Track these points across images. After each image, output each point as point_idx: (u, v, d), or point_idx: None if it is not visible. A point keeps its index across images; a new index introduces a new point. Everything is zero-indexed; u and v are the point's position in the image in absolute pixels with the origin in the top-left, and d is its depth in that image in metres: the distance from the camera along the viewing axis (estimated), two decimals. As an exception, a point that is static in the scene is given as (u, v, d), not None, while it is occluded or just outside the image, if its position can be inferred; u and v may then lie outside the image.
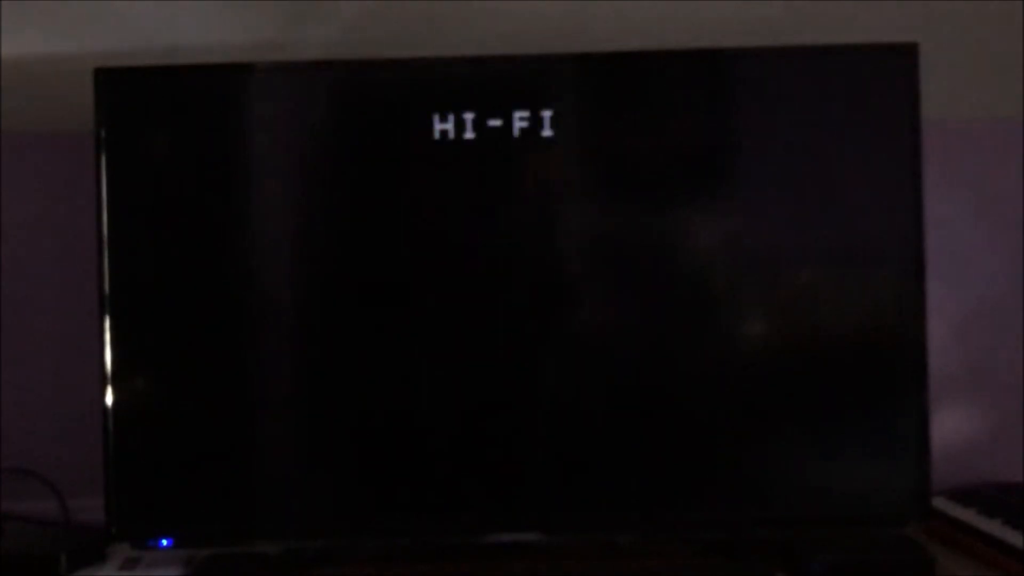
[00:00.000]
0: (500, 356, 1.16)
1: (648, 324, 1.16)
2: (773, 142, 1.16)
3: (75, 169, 1.26)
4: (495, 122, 1.14)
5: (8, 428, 1.33)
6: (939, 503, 1.24)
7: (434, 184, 1.16)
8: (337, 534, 1.18)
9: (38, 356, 1.35)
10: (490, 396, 1.16)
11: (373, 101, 1.17)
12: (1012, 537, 1.13)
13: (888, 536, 1.15)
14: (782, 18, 1.25)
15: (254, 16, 1.27)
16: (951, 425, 1.35)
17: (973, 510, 1.22)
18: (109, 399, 1.14)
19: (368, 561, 1.18)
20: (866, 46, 1.15)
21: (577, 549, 1.19)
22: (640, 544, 1.19)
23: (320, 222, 1.17)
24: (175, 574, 1.15)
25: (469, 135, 1.14)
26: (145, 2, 1.25)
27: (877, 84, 1.15)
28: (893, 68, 1.14)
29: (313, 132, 1.17)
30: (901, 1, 1.26)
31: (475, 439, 1.16)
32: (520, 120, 1.14)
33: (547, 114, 1.14)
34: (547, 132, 1.14)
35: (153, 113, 1.17)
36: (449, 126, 1.14)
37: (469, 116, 1.14)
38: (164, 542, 1.15)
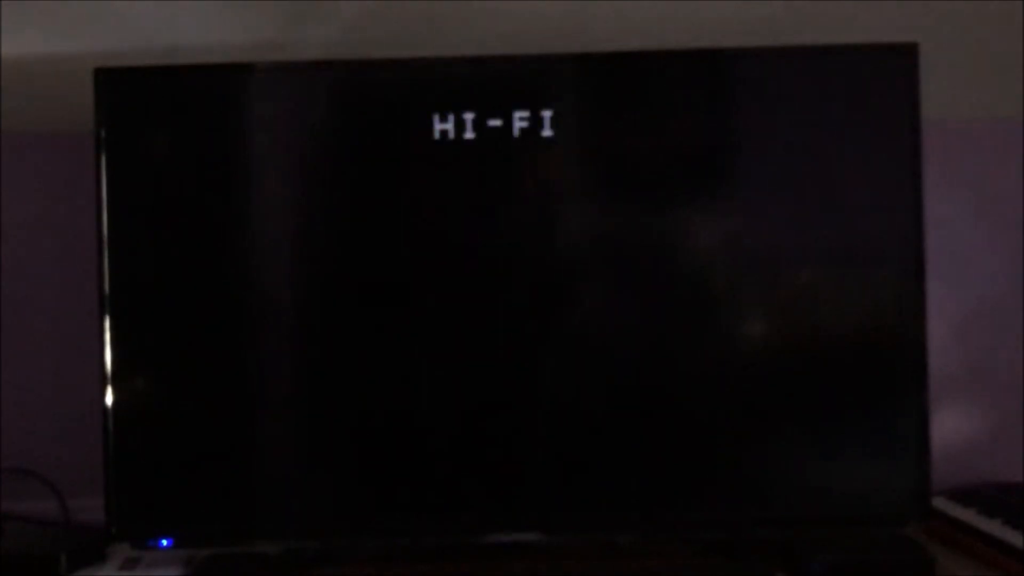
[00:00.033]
0: (500, 356, 1.16)
1: (648, 324, 1.16)
2: (773, 142, 1.16)
3: (75, 169, 1.26)
4: (495, 122, 1.14)
5: (8, 428, 1.33)
6: (939, 503, 1.24)
7: (434, 184, 1.16)
8: (337, 534, 1.18)
9: (38, 356, 1.35)
10: (490, 396, 1.16)
11: (373, 101, 1.17)
12: (1012, 537, 1.13)
13: (888, 536, 1.15)
14: (782, 18, 1.25)
15: (254, 16, 1.27)
16: (951, 425, 1.35)
17: (973, 510, 1.22)
18: (109, 399, 1.14)
19: (368, 561, 1.18)
20: (866, 46, 1.15)
21: (577, 549, 1.19)
22: (640, 544, 1.19)
23: (320, 222, 1.17)
24: (175, 574, 1.15)
25: (469, 135, 1.14)
26: (145, 2, 1.25)
27: (877, 84, 1.15)
28: (893, 68, 1.14)
29: (313, 132, 1.17)
30: (901, 1, 1.26)
31: (475, 439, 1.16)
32: (520, 120, 1.14)
33: (547, 114, 1.14)
34: (547, 132, 1.14)
35: (153, 113, 1.17)
36: (449, 126, 1.14)
37: (469, 116, 1.14)
38: (164, 542, 1.15)
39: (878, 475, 1.15)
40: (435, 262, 1.16)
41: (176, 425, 1.16)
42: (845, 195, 1.16)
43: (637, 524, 1.17)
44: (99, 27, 1.26)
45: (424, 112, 1.14)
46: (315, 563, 1.17)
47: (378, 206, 1.16)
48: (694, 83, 1.17)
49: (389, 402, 1.16)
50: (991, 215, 1.37)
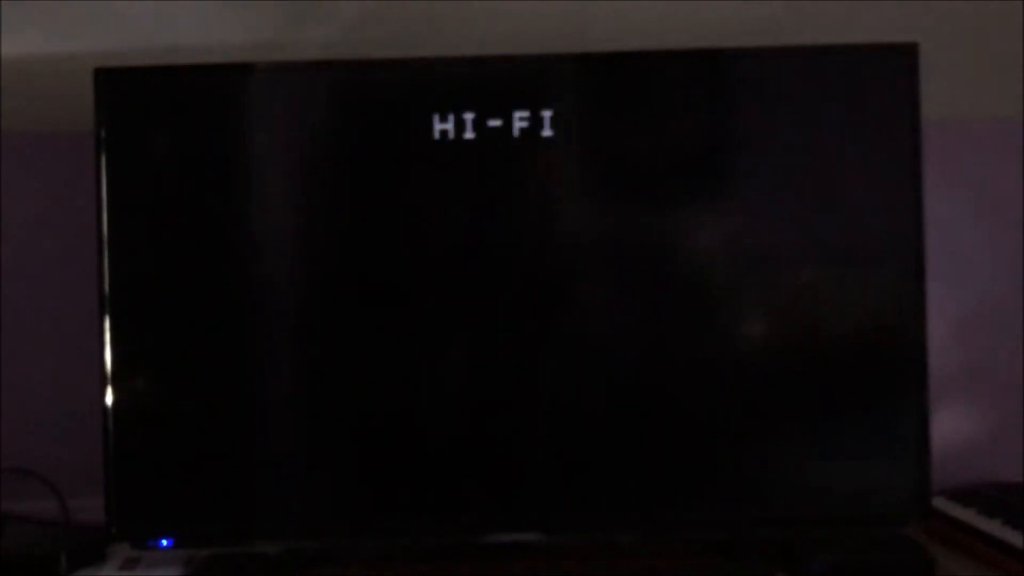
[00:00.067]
0: (500, 356, 1.16)
1: (648, 324, 1.16)
2: (773, 142, 1.16)
3: (75, 169, 1.26)
4: (495, 122, 1.14)
5: (8, 428, 1.33)
6: (939, 503, 1.24)
7: (434, 184, 1.16)
8: (337, 534, 1.18)
9: (38, 356, 1.35)
10: (490, 396, 1.16)
11: (373, 101, 1.17)
12: (1012, 537, 1.13)
13: (888, 536, 1.15)
14: (782, 18, 1.25)
15: (254, 16, 1.27)
16: (951, 425, 1.35)
17: (973, 510, 1.22)
18: (109, 399, 1.14)
19: (368, 561, 1.18)
20: (866, 46, 1.15)
21: (577, 549, 1.19)
22: (640, 544, 1.19)
23: (320, 222, 1.17)
24: (175, 574, 1.15)
25: (469, 135, 1.14)
26: (145, 2, 1.25)
27: (877, 84, 1.15)
28: (893, 68, 1.14)
29: (313, 132, 1.17)
30: (901, 1, 1.26)
31: (475, 439, 1.16)
32: (520, 120, 1.14)
33: (547, 114, 1.14)
34: (547, 132, 1.14)
35: (153, 113, 1.17)
36: (449, 126, 1.14)
37: (469, 116, 1.14)
38: (164, 542, 1.15)
39: (878, 475, 1.15)
40: (435, 262, 1.16)
41: (176, 425, 1.16)
42: (845, 195, 1.16)
43: (637, 524, 1.17)
44: (99, 27, 1.26)
45: (424, 112, 1.14)
46: (315, 563, 1.17)
47: (378, 206, 1.16)
48: (694, 83, 1.17)
49: (389, 402, 1.16)
50: (991, 215, 1.37)
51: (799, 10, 1.26)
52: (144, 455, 1.15)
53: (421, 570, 1.15)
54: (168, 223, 1.16)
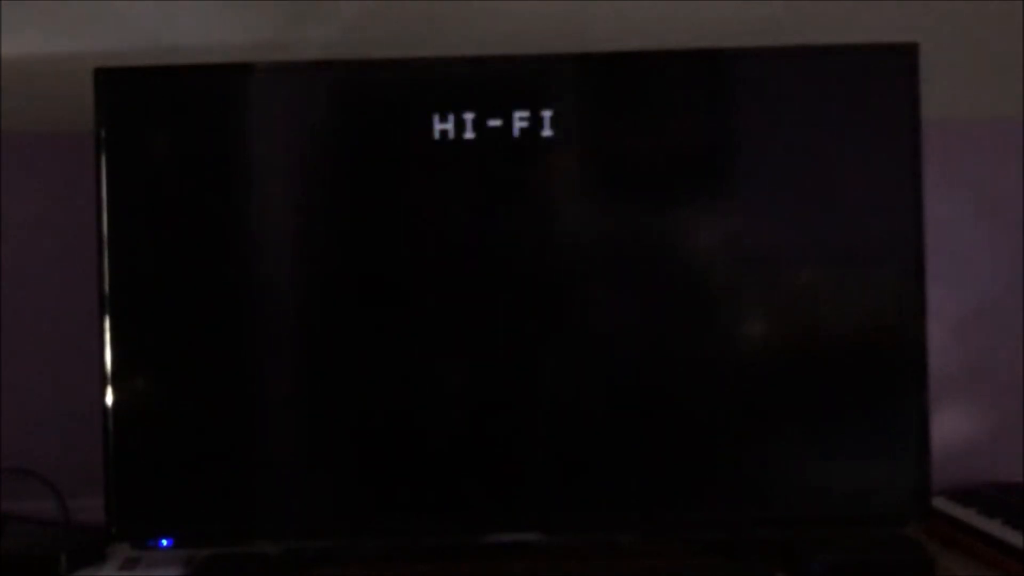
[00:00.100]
0: (500, 356, 1.16)
1: (648, 324, 1.16)
2: (773, 142, 1.16)
3: (75, 169, 1.26)
4: (495, 122, 1.14)
5: (8, 428, 1.33)
6: (939, 503, 1.24)
7: (434, 184, 1.16)
8: (337, 534, 1.18)
9: (38, 356, 1.35)
10: (490, 396, 1.16)
11: (373, 101, 1.17)
12: (1012, 537, 1.13)
13: (888, 536, 1.15)
14: (782, 18, 1.25)
15: (254, 16, 1.27)
16: (951, 425, 1.35)
17: (973, 510, 1.22)
18: (109, 399, 1.14)
19: (368, 561, 1.18)
20: (866, 46, 1.15)
21: (577, 549, 1.19)
22: (640, 544, 1.19)
23: (320, 222, 1.17)
24: (175, 574, 1.15)
25: (469, 135, 1.14)
26: (145, 2, 1.25)
27: (877, 84, 1.15)
28: (893, 68, 1.14)
29: (313, 132, 1.17)
30: (901, 1, 1.26)
31: (475, 439, 1.16)
32: (520, 120, 1.14)
33: (547, 114, 1.14)
34: (547, 132, 1.14)
35: (153, 113, 1.17)
36: (449, 126, 1.14)
37: (469, 116, 1.14)
38: (164, 542, 1.15)
39: (878, 475, 1.15)
40: (435, 262, 1.16)
41: (176, 425, 1.16)
42: (845, 195, 1.16)
43: (637, 524, 1.17)
44: (99, 27, 1.26)
45: (424, 112, 1.14)
46: (315, 563, 1.17)
47: (378, 206, 1.16)
48: (694, 83, 1.17)
49: (389, 402, 1.16)
50: (991, 215, 1.37)
51: (799, 10, 1.26)
52: (144, 455, 1.15)
53: (421, 570, 1.15)
54: (168, 223, 1.16)
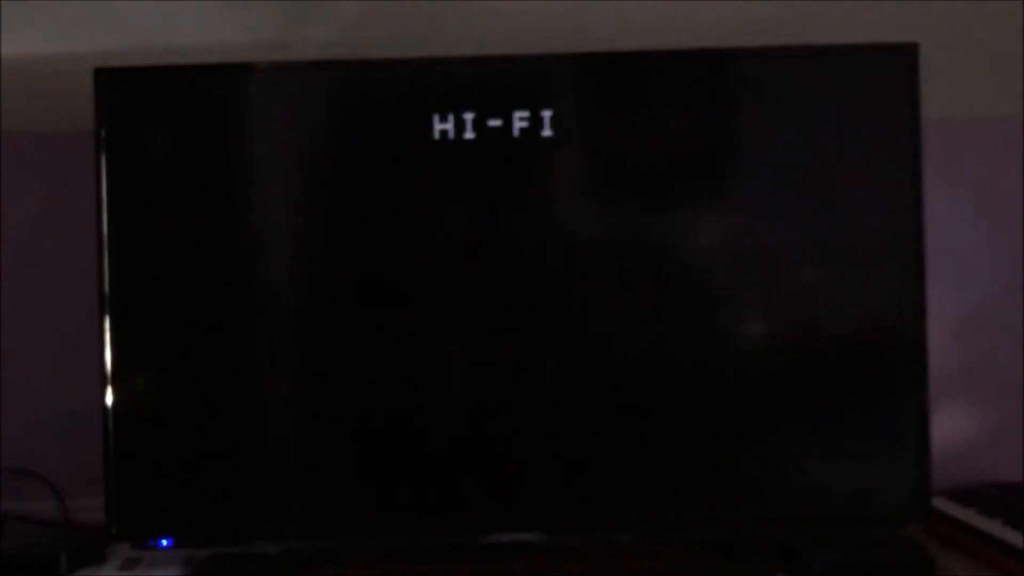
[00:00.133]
0: (500, 356, 1.16)
1: (648, 324, 1.16)
2: (773, 142, 1.16)
3: (75, 169, 1.26)
4: (495, 122, 1.14)
5: (8, 428, 1.33)
6: (939, 503, 1.24)
7: (434, 184, 1.16)
8: (337, 534, 1.18)
9: (38, 356, 1.35)
10: (490, 396, 1.16)
11: (373, 101, 1.17)
12: (1012, 537, 1.13)
13: (888, 536, 1.15)
14: (782, 18, 1.25)
15: (254, 16, 1.27)
16: (951, 425, 1.35)
17: (973, 510, 1.22)
18: (109, 399, 1.14)
19: (368, 561, 1.18)
20: (866, 46, 1.15)
21: (577, 549, 1.19)
22: (640, 544, 1.19)
23: (320, 222, 1.17)
24: (175, 574, 1.15)
25: (469, 135, 1.14)
26: (145, 2, 1.25)
27: (877, 84, 1.15)
28: (893, 68, 1.14)
29: (313, 132, 1.17)
30: (901, 1, 1.26)
31: (475, 439, 1.16)
32: (520, 120, 1.14)
33: (547, 114, 1.14)
34: (547, 132, 1.14)
35: (153, 113, 1.17)
36: (449, 126, 1.14)
37: (469, 116, 1.14)
38: (164, 542, 1.15)
39: (878, 475, 1.15)
40: (435, 262, 1.16)
41: (176, 425, 1.16)
42: (845, 195, 1.16)
43: (637, 524, 1.17)
44: (99, 27, 1.26)
45: (424, 112, 1.14)
46: (315, 563, 1.17)
47: (378, 206, 1.16)
48: (694, 83, 1.17)
49: (389, 402, 1.16)
50: (991, 215, 1.37)
51: (799, 10, 1.26)
52: (144, 455, 1.15)
53: (421, 570, 1.15)
54: (168, 223, 1.16)
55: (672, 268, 1.16)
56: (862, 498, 1.15)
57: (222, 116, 1.16)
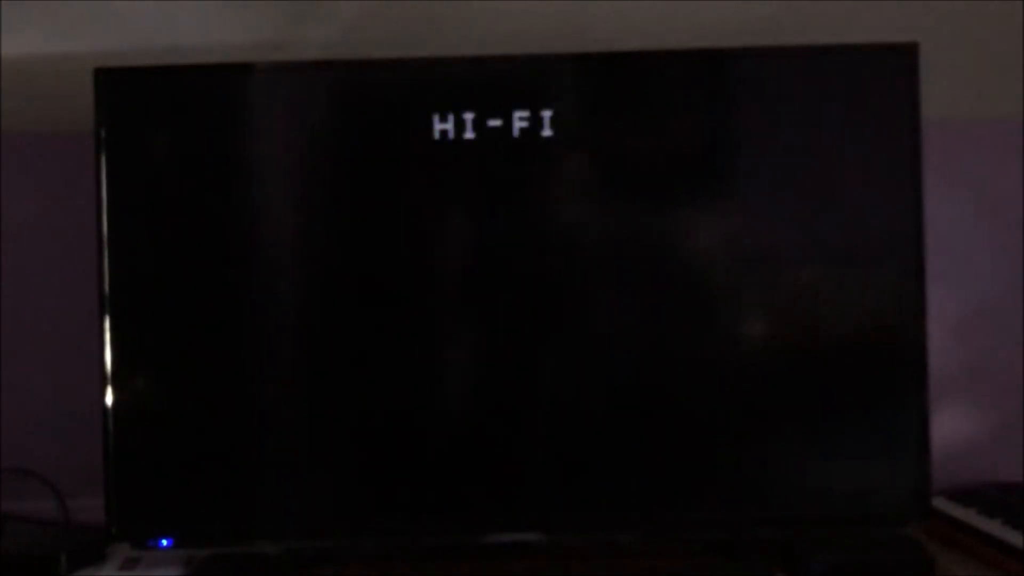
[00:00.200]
0: (500, 356, 1.16)
1: (648, 324, 1.16)
2: (773, 142, 1.16)
3: (75, 169, 1.26)
4: (495, 122, 1.14)
5: (8, 428, 1.33)
6: (939, 503, 1.24)
7: (434, 184, 1.16)
8: (337, 534, 1.18)
9: (38, 356, 1.35)
10: (490, 396, 1.16)
11: (373, 101, 1.17)
12: (1012, 537, 1.13)
13: (888, 536, 1.15)
14: (782, 18, 1.25)
15: (254, 16, 1.27)
16: (951, 425, 1.35)
17: (973, 510, 1.22)
18: (109, 399, 1.14)
19: (368, 561, 1.18)
20: (866, 46, 1.15)
21: (577, 549, 1.19)
22: (640, 544, 1.19)
23: (320, 222, 1.17)
24: (175, 574, 1.15)
25: (469, 135, 1.14)
26: (145, 2, 1.25)
27: (877, 84, 1.15)
28: (893, 68, 1.14)
29: (313, 132, 1.17)
30: (901, 1, 1.26)
31: (475, 439, 1.16)
32: (520, 120, 1.14)
33: (547, 114, 1.14)
34: (547, 132, 1.14)
35: (153, 113, 1.17)
36: (449, 126, 1.14)
37: (469, 116, 1.14)
38: (164, 542, 1.15)
39: (878, 475, 1.15)
40: (435, 262, 1.16)
41: (176, 425, 1.16)
42: (845, 195, 1.16)
43: (637, 524, 1.17)
44: (99, 27, 1.26)
45: (424, 112, 1.14)
46: (315, 563, 1.17)
47: (378, 206, 1.16)
48: (694, 83, 1.17)
49: (389, 402, 1.16)
50: (991, 215, 1.37)
51: (799, 10, 1.26)
52: (144, 455, 1.15)
53: (421, 570, 1.15)
54: (168, 223, 1.16)
55: (672, 268, 1.16)
56: (862, 498, 1.15)
57: (222, 116, 1.16)
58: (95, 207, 1.15)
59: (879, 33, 1.18)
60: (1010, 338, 1.37)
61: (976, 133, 1.37)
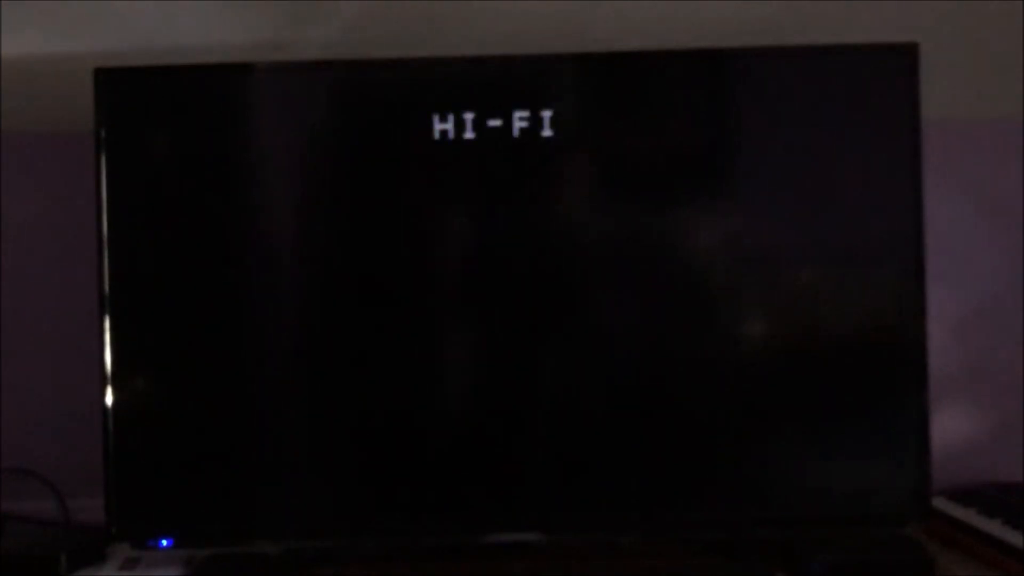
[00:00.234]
0: (500, 356, 1.16)
1: (648, 324, 1.16)
2: (773, 142, 1.16)
3: (75, 169, 1.26)
4: (495, 122, 1.14)
5: (8, 428, 1.33)
6: (939, 503, 1.24)
7: (434, 184, 1.16)
8: (337, 534, 1.18)
9: (38, 356, 1.35)
10: (490, 396, 1.16)
11: (373, 101, 1.17)
12: (1012, 537, 1.13)
13: (888, 536, 1.15)
14: (782, 18, 1.25)
15: (254, 16, 1.27)
16: (951, 425, 1.35)
17: (973, 510, 1.22)
18: (109, 399, 1.14)
19: (368, 561, 1.18)
20: (866, 46, 1.15)
21: (577, 549, 1.19)
22: (640, 544, 1.19)
23: (320, 222, 1.17)
24: (175, 574, 1.15)
25: (469, 135, 1.14)
26: (145, 2, 1.25)
27: (877, 84, 1.15)
28: (893, 68, 1.14)
29: (313, 132, 1.17)
30: (901, 1, 1.26)
31: (475, 439, 1.16)
32: (520, 120, 1.14)
33: (547, 114, 1.14)
34: (547, 132, 1.14)
35: (153, 113, 1.17)
36: (449, 126, 1.14)
37: (469, 116, 1.14)
38: (164, 542, 1.15)
39: (878, 475, 1.15)
40: (435, 262, 1.16)
41: (176, 425, 1.16)
42: (845, 195, 1.16)
43: (637, 524, 1.17)
44: (99, 27, 1.26)
45: (424, 112, 1.14)
46: (315, 563, 1.17)
47: (378, 206, 1.16)
48: (694, 83, 1.17)
49: (389, 402, 1.16)
50: (991, 215, 1.37)
51: (799, 10, 1.26)
52: (144, 455, 1.15)
53: (421, 570, 1.15)
54: (168, 223, 1.16)
55: (672, 268, 1.16)
56: (862, 498, 1.15)
57: (222, 116, 1.16)
58: (95, 207, 1.15)
59: (879, 33, 1.18)
60: (1010, 338, 1.37)
61: (976, 133, 1.37)
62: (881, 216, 1.15)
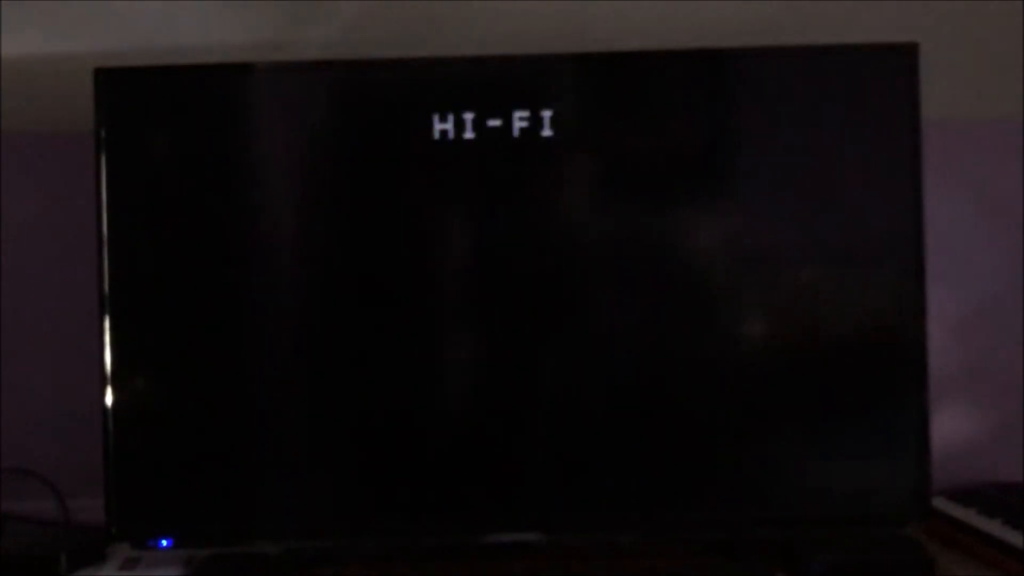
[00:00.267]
0: (500, 356, 1.16)
1: (648, 324, 1.16)
2: (773, 142, 1.16)
3: (75, 169, 1.26)
4: (495, 122, 1.14)
5: (8, 428, 1.33)
6: (939, 503, 1.24)
7: (434, 184, 1.16)
8: (337, 534, 1.18)
9: (38, 356, 1.35)
10: (490, 396, 1.16)
11: (373, 101, 1.17)
12: (1012, 537, 1.13)
13: (888, 536, 1.15)
14: (782, 18, 1.25)
15: (254, 16, 1.27)
16: (951, 425, 1.35)
17: (973, 510, 1.22)
18: (109, 399, 1.14)
19: (368, 561, 1.18)
20: (866, 46, 1.15)
21: (577, 549, 1.19)
22: (640, 544, 1.19)
23: (320, 222, 1.17)
24: (175, 574, 1.15)
25: (469, 135, 1.14)
26: (145, 2, 1.25)
27: (877, 84, 1.15)
28: (893, 68, 1.14)
29: (313, 132, 1.17)
30: (901, 1, 1.26)
31: (475, 439, 1.16)
32: (520, 120, 1.14)
33: (547, 114, 1.14)
34: (547, 132, 1.14)
35: (153, 113, 1.17)
36: (449, 126, 1.14)
37: (469, 116, 1.14)
38: (164, 542, 1.15)
39: (878, 475, 1.15)
40: (435, 262, 1.16)
41: (176, 425, 1.16)
42: (845, 195, 1.16)
43: (637, 524, 1.17)
44: (99, 27, 1.27)
45: (424, 112, 1.14)
46: (315, 563, 1.17)
47: (378, 206, 1.16)
48: (694, 83, 1.17)
49: (389, 402, 1.16)
50: (991, 215, 1.37)
51: (799, 10, 1.26)
52: (144, 455, 1.15)
53: (421, 570, 1.15)
54: (168, 223, 1.16)
55: (672, 268, 1.16)
56: (862, 498, 1.15)
57: (222, 116, 1.16)
58: (95, 207, 1.15)
59: (879, 33, 1.18)
60: (1010, 338, 1.37)
61: (976, 133, 1.37)
62: (881, 216, 1.15)
